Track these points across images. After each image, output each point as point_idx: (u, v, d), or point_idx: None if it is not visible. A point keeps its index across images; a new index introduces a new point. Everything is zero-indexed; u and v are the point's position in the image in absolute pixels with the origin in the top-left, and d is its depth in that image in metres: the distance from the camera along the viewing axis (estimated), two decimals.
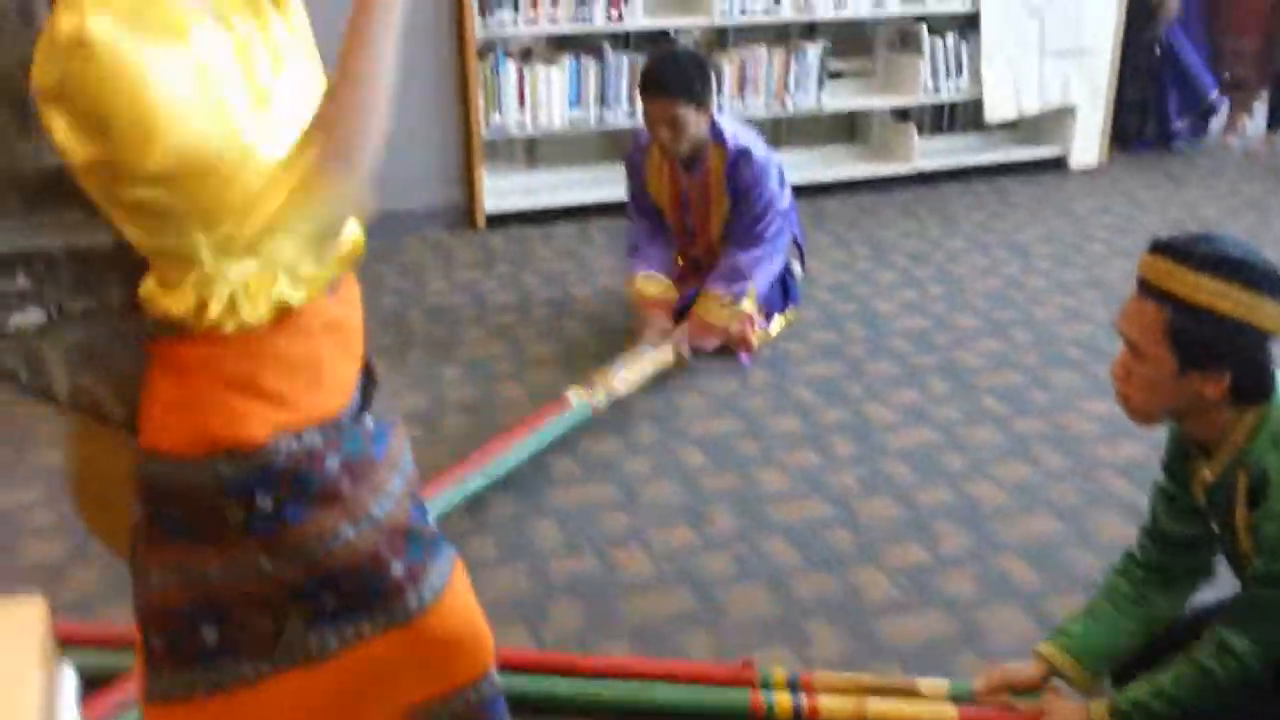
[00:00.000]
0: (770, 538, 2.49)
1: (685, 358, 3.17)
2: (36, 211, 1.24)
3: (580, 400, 2.83)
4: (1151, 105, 5.39)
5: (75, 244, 1.25)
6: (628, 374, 2.96)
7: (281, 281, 1.20)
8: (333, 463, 1.26)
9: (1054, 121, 5.10)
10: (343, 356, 1.32)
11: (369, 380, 1.39)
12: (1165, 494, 1.76)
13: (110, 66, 1.05)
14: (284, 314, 1.22)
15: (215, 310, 1.18)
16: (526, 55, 4.38)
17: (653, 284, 3.32)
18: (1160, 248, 1.54)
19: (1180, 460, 1.71)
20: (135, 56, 1.06)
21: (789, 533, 2.51)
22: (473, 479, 2.50)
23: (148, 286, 1.21)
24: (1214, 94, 5.37)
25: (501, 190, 4.46)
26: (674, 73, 3.06)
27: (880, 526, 2.53)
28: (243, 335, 1.21)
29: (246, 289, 1.19)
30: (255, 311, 1.20)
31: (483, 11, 4.12)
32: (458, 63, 4.17)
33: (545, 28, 4.25)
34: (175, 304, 1.18)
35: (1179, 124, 5.44)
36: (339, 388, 1.30)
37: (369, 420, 1.33)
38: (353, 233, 1.32)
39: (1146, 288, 1.55)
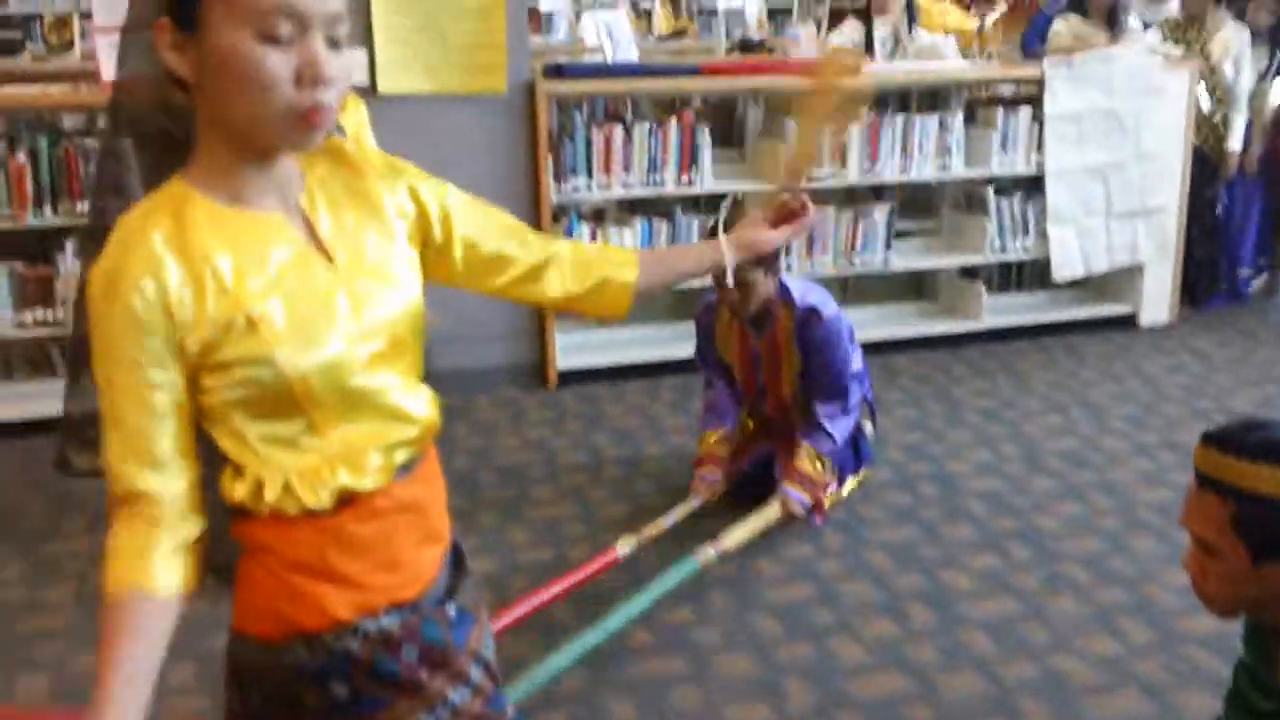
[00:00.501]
0: (848, 716, 2.43)
1: (797, 513, 3.14)
2: None
3: (627, 548, 2.84)
4: (1220, 262, 5.40)
5: None
6: (739, 532, 2.95)
7: (341, 472, 1.21)
8: (410, 652, 1.25)
9: (1122, 279, 5.11)
10: (420, 538, 1.30)
11: (458, 564, 1.38)
12: (1247, 669, 1.70)
13: None
14: (351, 497, 1.22)
15: (271, 496, 1.19)
16: (599, 217, 4.52)
17: (712, 439, 3.34)
18: (1212, 440, 1.51)
19: (1258, 643, 1.66)
20: None
21: (868, 710, 2.45)
22: (556, 658, 2.42)
23: (224, 470, 1.23)
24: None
25: (572, 347, 4.54)
26: None
27: (963, 703, 2.46)
28: (309, 517, 1.21)
29: (302, 477, 1.20)
30: (315, 498, 1.20)
31: (558, 177, 4.27)
32: (532, 225, 4.29)
33: (618, 192, 4.39)
34: (237, 488, 1.20)
35: (1246, 281, 5.44)
36: (417, 572, 1.28)
37: (451, 608, 1.31)
38: (425, 414, 1.30)
39: (1205, 481, 1.51)
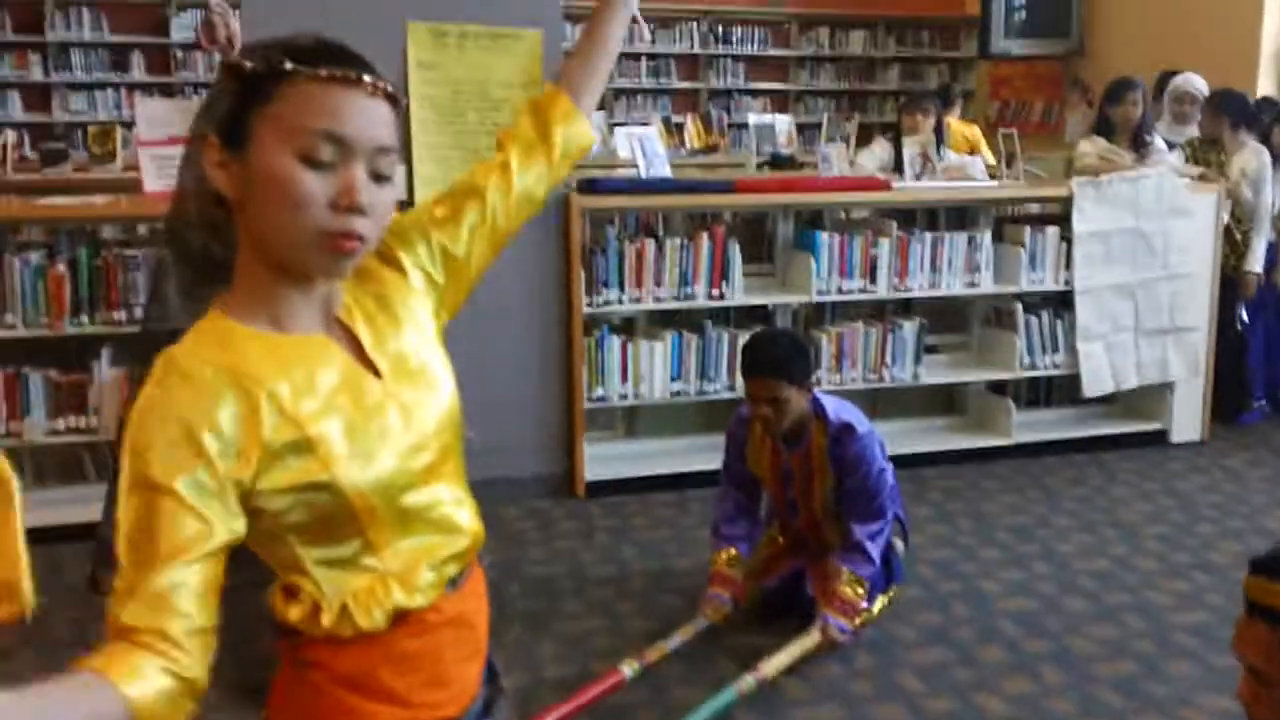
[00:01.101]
0: None
1: (839, 640, 3.08)
2: None
3: (632, 671, 2.80)
4: (1249, 380, 5.38)
5: None
6: (780, 658, 2.90)
7: (395, 591, 1.21)
8: None
9: (1153, 396, 5.09)
10: (466, 654, 1.30)
11: (492, 679, 1.37)
12: None
13: None
14: (403, 614, 1.22)
15: (328, 620, 1.19)
16: (629, 329, 4.56)
17: (723, 559, 3.30)
18: (1261, 568, 1.50)
19: None
20: None
21: None
22: None
23: (273, 589, 1.23)
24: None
25: (601, 458, 4.54)
26: (775, 354, 3.15)
27: None
28: (362, 635, 1.20)
29: (357, 599, 1.19)
30: (371, 620, 1.20)
31: (590, 290, 4.32)
32: (564, 336, 4.35)
33: (649, 304, 4.43)
34: (291, 611, 1.20)
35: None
36: (463, 687, 1.28)
37: None
38: (474, 526, 1.31)
39: (1256, 609, 1.49)
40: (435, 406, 1.26)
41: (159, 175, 3.79)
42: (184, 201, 1.24)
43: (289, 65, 1.13)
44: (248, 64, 1.14)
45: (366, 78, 1.15)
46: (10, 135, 5.58)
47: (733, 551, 3.30)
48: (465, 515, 1.29)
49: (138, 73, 10.10)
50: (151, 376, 1.13)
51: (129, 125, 8.19)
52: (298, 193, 1.11)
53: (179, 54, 10.16)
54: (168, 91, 10.17)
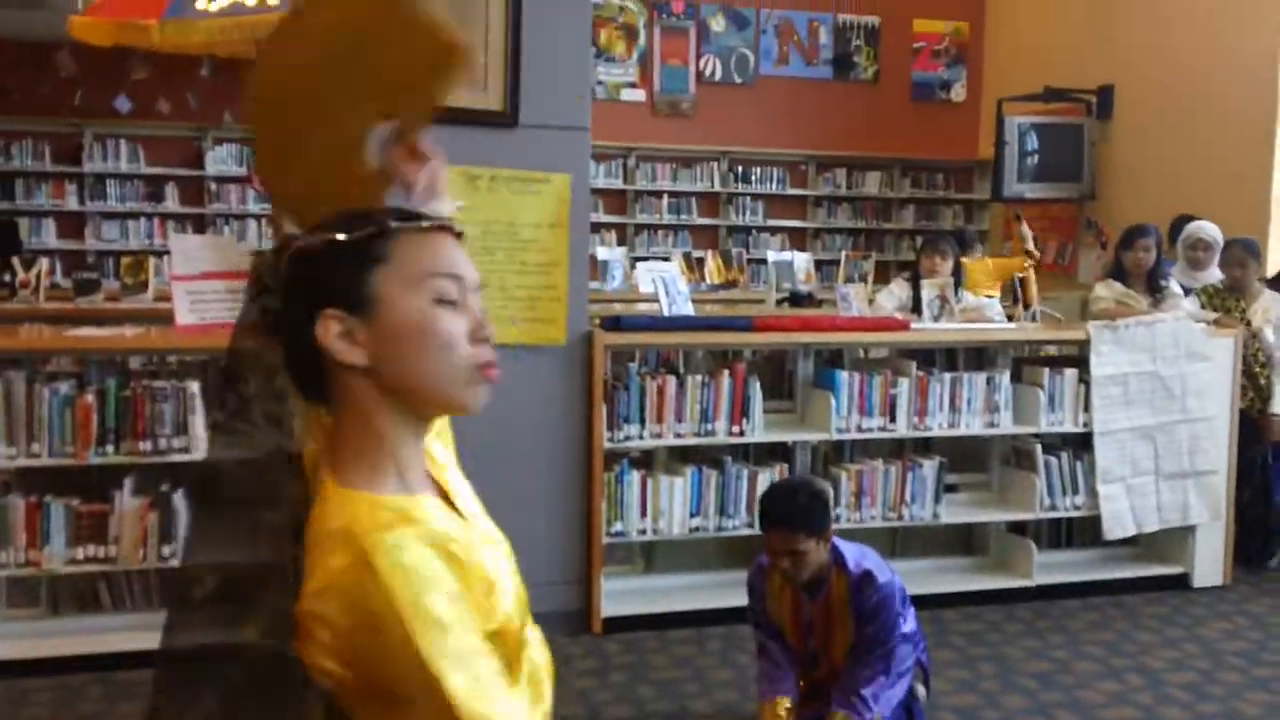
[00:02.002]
0: None
1: None
2: None
3: None
4: (1275, 523, 5.33)
5: None
6: None
7: None
8: None
9: (1174, 540, 5.04)
10: None
11: None
12: None
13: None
14: None
15: None
16: (649, 464, 4.56)
17: (782, 711, 3.25)
18: None
19: None
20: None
21: None
22: None
23: None
24: None
25: (619, 593, 4.50)
26: (793, 505, 3.13)
27: None
28: None
29: None
30: None
31: (611, 425, 4.35)
32: (584, 470, 4.36)
33: (669, 440, 4.45)
34: None
35: None
36: None
37: None
38: (549, 663, 1.34)
39: None
40: (504, 547, 1.34)
41: (191, 310, 3.87)
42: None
43: (395, 224, 1.21)
44: (349, 234, 1.20)
45: (454, 225, 1.26)
46: (44, 263, 5.71)
47: (786, 703, 3.26)
48: (544, 653, 1.37)
49: (171, 203, 10.39)
50: (375, 572, 1.11)
51: (160, 254, 8.41)
52: (446, 332, 1.20)
53: (213, 186, 10.46)
54: (200, 222, 10.44)
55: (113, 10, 2.36)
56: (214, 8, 2.20)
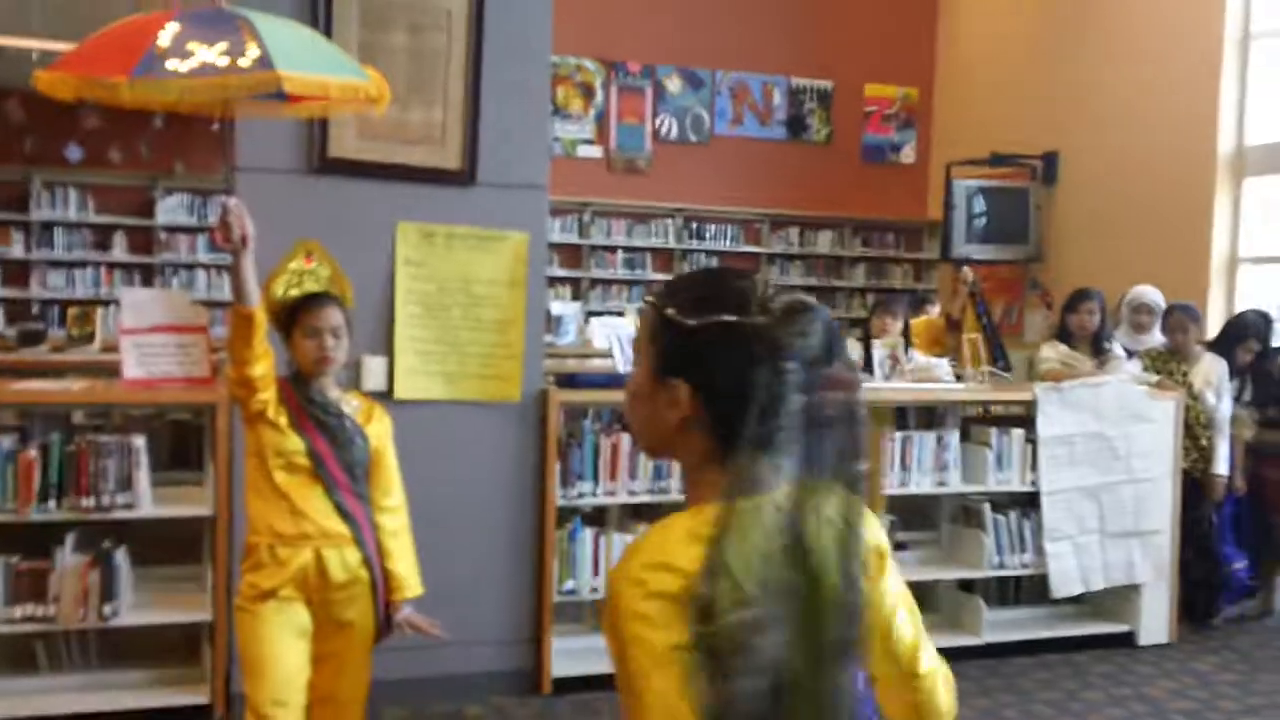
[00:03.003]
0: None
1: None
2: None
3: None
4: (1215, 582, 5.41)
5: None
6: None
7: None
8: None
9: (1121, 598, 5.11)
10: None
11: None
12: None
13: None
14: None
15: None
16: (601, 520, 4.55)
17: None
18: None
19: None
20: None
21: None
22: None
23: None
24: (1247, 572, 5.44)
25: (569, 652, 4.45)
26: None
27: None
28: None
29: None
30: None
31: (564, 482, 4.34)
32: (536, 528, 4.33)
33: (623, 497, 4.44)
34: None
35: (1237, 604, 5.46)
36: None
37: None
38: None
39: None
40: None
41: (139, 364, 3.82)
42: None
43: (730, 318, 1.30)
44: (695, 320, 1.32)
45: None
46: None
47: None
48: None
49: (119, 252, 10.27)
50: None
51: (107, 304, 8.30)
52: None
53: (162, 235, 10.37)
54: (148, 271, 10.32)
55: (80, 66, 2.35)
56: (184, 68, 2.20)
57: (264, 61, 2.31)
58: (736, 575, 1.20)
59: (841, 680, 1.27)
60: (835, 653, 1.26)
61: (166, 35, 2.30)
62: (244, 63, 2.29)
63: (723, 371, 1.29)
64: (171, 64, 2.26)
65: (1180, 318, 5.53)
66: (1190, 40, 8.21)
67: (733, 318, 1.29)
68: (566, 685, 4.35)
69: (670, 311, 1.33)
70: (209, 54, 2.28)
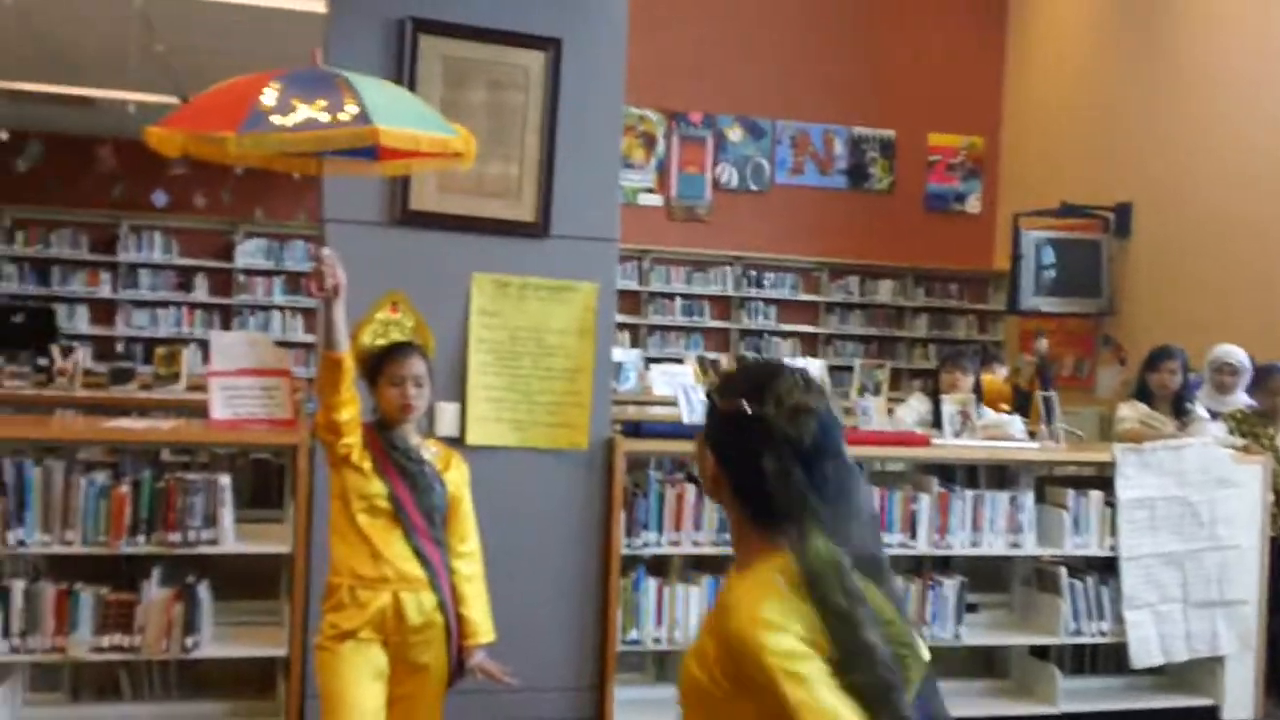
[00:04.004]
0: None
1: None
2: None
3: None
4: None
5: None
6: None
7: None
8: None
9: (1203, 670, 4.93)
10: None
11: None
12: None
13: None
14: None
15: None
16: (664, 570, 4.55)
17: None
18: None
19: None
20: None
21: None
22: None
23: None
24: None
25: (631, 703, 4.44)
26: None
27: None
28: None
29: None
30: None
31: (630, 531, 4.35)
32: (600, 577, 4.34)
33: (687, 548, 4.44)
34: None
35: None
36: None
37: None
38: None
39: None
40: None
41: (226, 405, 3.93)
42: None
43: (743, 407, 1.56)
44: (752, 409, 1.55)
45: None
46: (81, 353, 5.80)
47: None
48: None
49: (201, 293, 10.59)
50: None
51: (188, 342, 8.52)
52: None
53: (241, 278, 10.66)
54: (227, 312, 10.62)
55: (190, 124, 2.46)
56: (289, 122, 2.30)
57: (362, 117, 2.41)
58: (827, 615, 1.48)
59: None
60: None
61: (271, 94, 2.40)
62: (343, 118, 2.39)
63: (736, 451, 1.56)
64: (276, 119, 2.35)
65: (1277, 380, 5.40)
66: (1270, 89, 8.08)
67: (745, 407, 1.54)
68: None
69: (711, 393, 1.62)
70: (311, 110, 2.38)
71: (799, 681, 1.42)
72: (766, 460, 1.52)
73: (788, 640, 1.44)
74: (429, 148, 2.62)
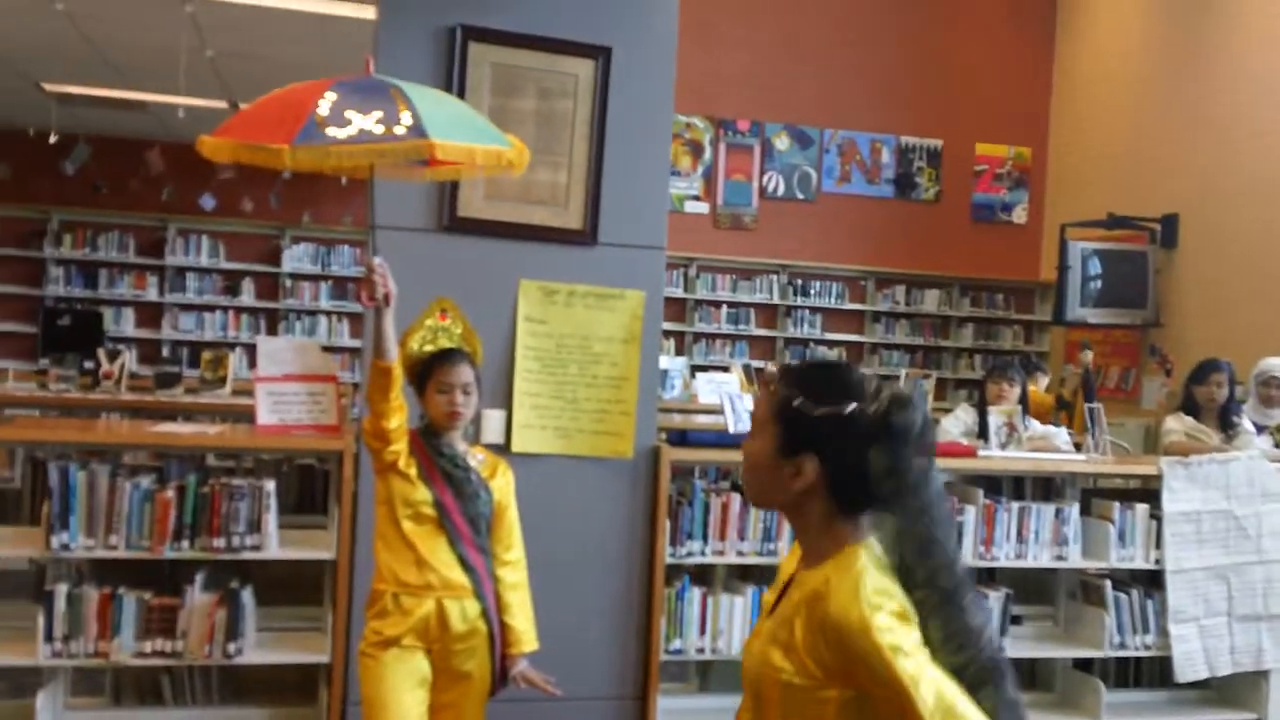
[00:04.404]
0: None
1: None
2: None
3: None
4: None
5: None
6: None
7: None
8: None
9: (1248, 684, 4.89)
10: None
11: None
12: None
13: None
14: None
15: None
16: (708, 580, 4.54)
17: None
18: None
19: None
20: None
21: None
22: None
23: None
24: None
25: (675, 712, 4.44)
26: None
27: None
28: None
29: None
30: None
31: (674, 540, 4.35)
32: (644, 586, 4.34)
33: (731, 557, 4.43)
34: None
35: None
36: None
37: None
38: None
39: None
40: None
41: (272, 410, 3.96)
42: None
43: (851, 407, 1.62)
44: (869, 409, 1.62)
45: None
46: (127, 356, 5.88)
47: None
48: None
49: (247, 298, 10.70)
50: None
51: (233, 346, 8.63)
52: None
53: (288, 283, 10.76)
54: (273, 316, 10.72)
55: (244, 134, 2.48)
56: (343, 135, 2.32)
57: (418, 130, 2.42)
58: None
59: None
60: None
61: (325, 105, 2.42)
62: (399, 130, 2.40)
63: (846, 450, 1.60)
64: (331, 131, 2.37)
65: None
66: None
67: (858, 407, 1.60)
68: None
69: (798, 403, 1.62)
70: (366, 122, 2.39)
71: (907, 655, 1.50)
72: (875, 453, 1.60)
73: (888, 618, 1.53)
74: (483, 160, 2.64)
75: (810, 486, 1.63)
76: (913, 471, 1.59)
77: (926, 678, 1.49)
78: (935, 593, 1.57)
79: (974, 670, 1.55)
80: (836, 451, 1.61)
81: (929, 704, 1.48)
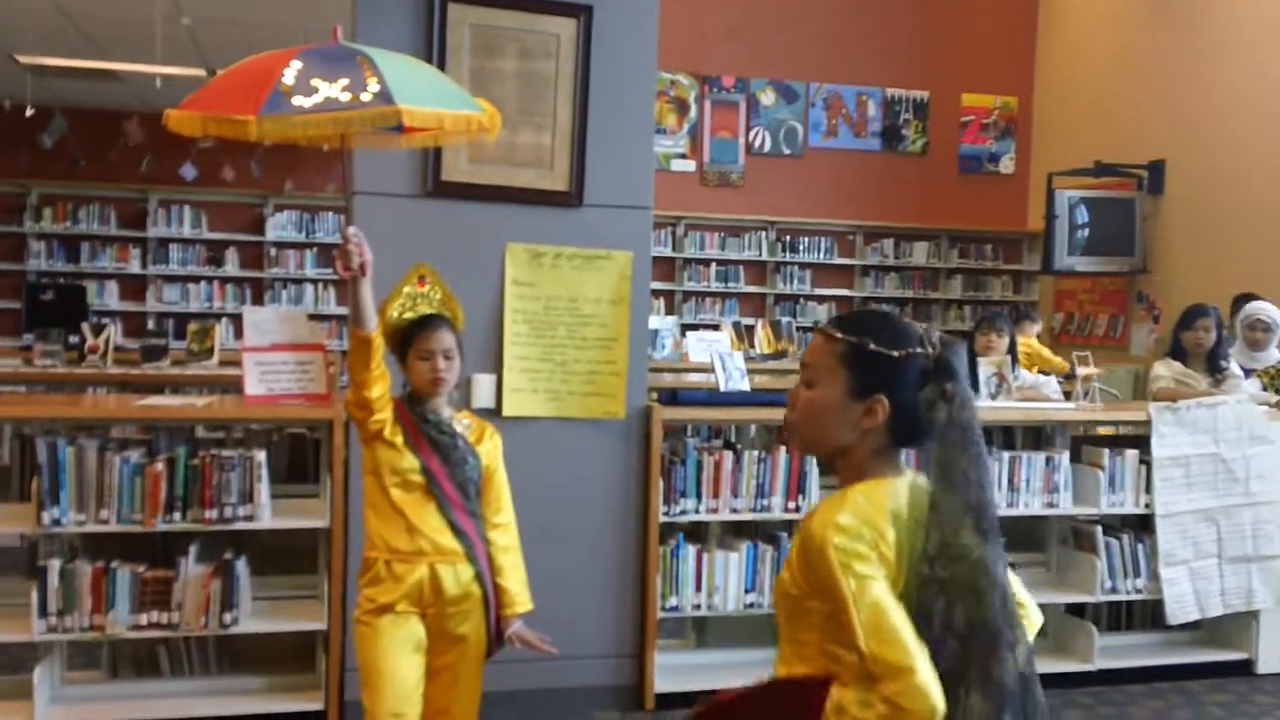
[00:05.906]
0: None
1: None
2: None
3: None
4: None
5: None
6: None
7: None
8: None
9: (1238, 624, 4.95)
10: None
11: None
12: None
13: None
14: None
15: None
16: (703, 537, 4.56)
17: None
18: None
19: None
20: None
21: None
22: None
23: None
24: None
25: (671, 669, 4.47)
26: None
27: None
28: None
29: None
30: None
31: (667, 499, 4.36)
32: (639, 545, 4.36)
33: (725, 514, 4.45)
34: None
35: None
36: None
37: None
38: None
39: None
40: None
41: (260, 381, 3.94)
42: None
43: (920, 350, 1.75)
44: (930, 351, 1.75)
45: None
46: (112, 330, 5.84)
47: None
48: None
49: (231, 267, 10.63)
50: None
51: (219, 317, 8.59)
52: None
53: (272, 251, 10.69)
54: (258, 286, 10.65)
55: (210, 105, 2.45)
56: (309, 104, 2.29)
57: (384, 96, 2.38)
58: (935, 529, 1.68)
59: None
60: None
61: (290, 73, 2.38)
62: (365, 97, 2.37)
63: (911, 390, 1.73)
64: (297, 100, 2.34)
65: None
66: None
67: (920, 349, 1.74)
68: (669, 701, 4.36)
69: (873, 346, 1.74)
70: (331, 90, 2.36)
71: (856, 578, 1.61)
72: (932, 388, 1.72)
73: (857, 545, 1.63)
74: (453, 126, 2.60)
75: (877, 425, 1.74)
76: (966, 406, 1.70)
77: (867, 599, 1.60)
78: (977, 517, 1.71)
79: (972, 643, 1.64)
80: (903, 389, 1.73)
81: (862, 618, 1.59)
